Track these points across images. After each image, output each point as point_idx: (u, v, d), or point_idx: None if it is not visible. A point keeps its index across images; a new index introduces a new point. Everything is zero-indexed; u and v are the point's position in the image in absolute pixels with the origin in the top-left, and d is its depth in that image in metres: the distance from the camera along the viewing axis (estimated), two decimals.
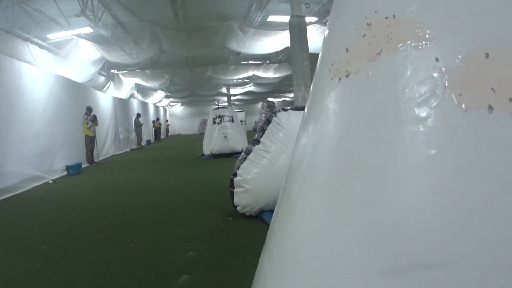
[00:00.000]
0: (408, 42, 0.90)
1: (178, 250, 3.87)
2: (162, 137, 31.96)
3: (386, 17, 0.97)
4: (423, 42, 0.88)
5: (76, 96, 12.61)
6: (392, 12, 0.98)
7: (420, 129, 0.82)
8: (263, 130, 4.91)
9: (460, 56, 0.82)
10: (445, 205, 0.77)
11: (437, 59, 0.85)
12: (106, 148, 15.89)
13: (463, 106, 0.79)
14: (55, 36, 12.58)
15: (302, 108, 4.97)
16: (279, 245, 1.18)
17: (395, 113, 0.87)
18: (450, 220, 0.76)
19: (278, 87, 29.21)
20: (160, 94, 30.10)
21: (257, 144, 4.88)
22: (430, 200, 0.79)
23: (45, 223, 5.32)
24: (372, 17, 1.01)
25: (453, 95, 0.80)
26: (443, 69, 0.83)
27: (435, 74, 0.84)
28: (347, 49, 1.07)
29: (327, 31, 1.30)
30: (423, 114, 0.83)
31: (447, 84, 0.82)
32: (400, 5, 0.97)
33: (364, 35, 1.02)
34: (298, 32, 10.86)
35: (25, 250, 4.13)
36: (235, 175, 4.86)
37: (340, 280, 0.89)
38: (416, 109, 0.84)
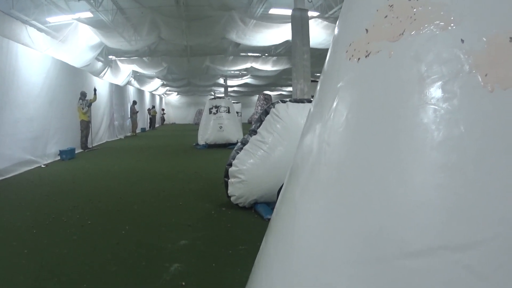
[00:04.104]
0: (433, 23, 0.89)
1: (170, 238, 3.84)
2: (157, 125, 31.90)
3: None
4: (449, 24, 0.87)
5: (72, 81, 12.47)
6: None
7: (445, 108, 0.82)
8: (260, 121, 4.86)
9: (485, 39, 0.82)
10: (470, 185, 0.77)
11: (462, 40, 0.84)
12: (100, 134, 15.80)
13: (489, 86, 0.79)
14: (54, 19, 12.32)
15: (301, 101, 4.93)
16: (281, 239, 1.17)
17: (420, 91, 0.87)
18: (477, 199, 0.75)
19: (275, 80, 29.15)
20: (157, 82, 29.95)
21: (254, 134, 4.83)
22: (454, 180, 0.78)
23: (35, 207, 5.26)
24: None
25: (479, 76, 0.80)
26: (469, 50, 0.83)
27: (460, 55, 0.83)
28: (366, 30, 1.06)
29: (342, 13, 1.29)
30: (448, 93, 0.83)
31: (472, 65, 0.81)
32: None
33: (386, 16, 1.01)
34: (300, 25, 10.79)
35: (14, 234, 4.07)
36: (231, 165, 4.82)
37: (355, 265, 0.89)
38: (441, 88, 0.84)
